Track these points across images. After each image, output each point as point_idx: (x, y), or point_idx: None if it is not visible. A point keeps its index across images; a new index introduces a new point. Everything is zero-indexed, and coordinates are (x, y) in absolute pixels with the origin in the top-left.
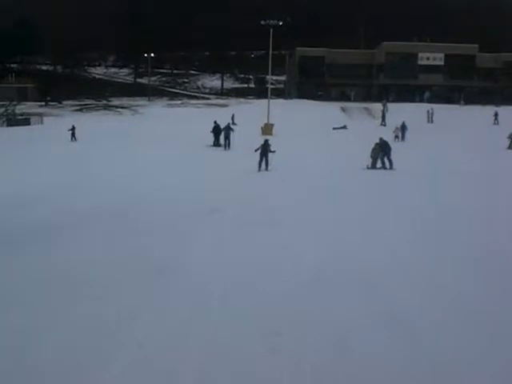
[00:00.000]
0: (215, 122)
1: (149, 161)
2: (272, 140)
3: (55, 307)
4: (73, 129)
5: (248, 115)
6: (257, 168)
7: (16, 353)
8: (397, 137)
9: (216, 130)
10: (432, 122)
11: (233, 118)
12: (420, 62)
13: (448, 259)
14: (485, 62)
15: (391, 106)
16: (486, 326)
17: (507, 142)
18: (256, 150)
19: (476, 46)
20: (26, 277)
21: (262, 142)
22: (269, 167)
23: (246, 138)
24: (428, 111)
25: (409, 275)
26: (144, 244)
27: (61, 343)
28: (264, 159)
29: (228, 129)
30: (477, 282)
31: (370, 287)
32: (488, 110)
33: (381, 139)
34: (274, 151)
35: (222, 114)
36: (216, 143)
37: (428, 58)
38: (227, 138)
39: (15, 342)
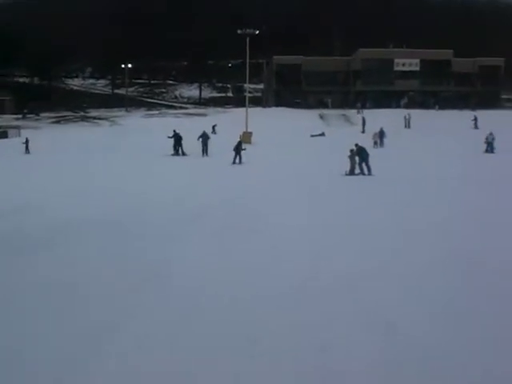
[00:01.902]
0: (174, 131)
1: (124, 170)
2: (251, 148)
3: (47, 314)
4: (26, 142)
5: (226, 124)
6: (231, 161)
7: (10, 357)
8: (376, 143)
9: (176, 139)
10: (409, 127)
11: (214, 128)
12: (396, 68)
13: (433, 264)
14: (460, 67)
15: (369, 112)
16: (475, 332)
17: (484, 146)
18: (234, 149)
19: (451, 51)
20: (20, 283)
21: (237, 143)
22: (242, 161)
23: (225, 146)
24: (405, 117)
25: (394, 281)
26: (131, 252)
27: (52, 349)
28: (238, 156)
29: (205, 136)
30: (466, 288)
31: (355, 293)
32: (466, 115)
33: (356, 145)
34: (244, 149)
35: (200, 123)
36: (176, 152)
37: (404, 64)
38: (205, 145)
39: (4, 353)
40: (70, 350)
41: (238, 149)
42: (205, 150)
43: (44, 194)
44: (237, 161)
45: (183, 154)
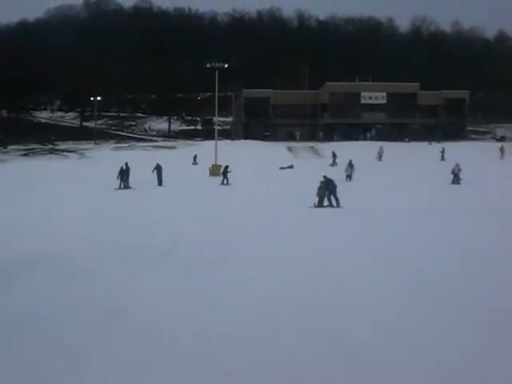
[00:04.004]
0: (126, 164)
1: (89, 204)
2: (219, 181)
3: None
4: None
5: (197, 157)
6: (219, 182)
7: None
8: (348, 176)
9: (122, 173)
10: (381, 159)
11: (195, 158)
12: (363, 101)
13: (395, 295)
14: (426, 100)
15: (337, 144)
16: (435, 361)
17: (450, 177)
18: (222, 173)
19: (417, 84)
20: None
21: (223, 167)
22: (229, 182)
23: (192, 178)
24: (379, 151)
25: (357, 312)
26: (95, 290)
27: None
28: (225, 178)
29: (159, 168)
30: (424, 317)
31: (320, 326)
32: (433, 147)
33: (325, 177)
34: (230, 171)
35: (169, 156)
36: (123, 185)
37: (370, 97)
38: (160, 176)
39: None
40: None
41: (225, 172)
42: (159, 181)
43: None
44: (224, 182)
45: (125, 187)
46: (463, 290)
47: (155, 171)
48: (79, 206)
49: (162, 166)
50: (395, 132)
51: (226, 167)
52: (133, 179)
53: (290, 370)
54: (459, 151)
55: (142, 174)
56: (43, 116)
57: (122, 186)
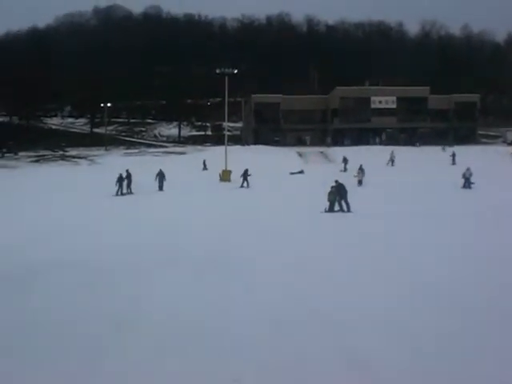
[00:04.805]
0: (127, 171)
1: (101, 210)
2: (230, 186)
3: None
4: None
5: (206, 162)
6: (239, 186)
7: None
8: (359, 181)
9: (121, 180)
10: (393, 164)
11: (204, 164)
12: (373, 106)
13: (403, 299)
14: (436, 104)
15: (348, 149)
16: (442, 367)
17: (461, 182)
18: (241, 176)
19: (427, 88)
20: None
21: (243, 171)
22: (249, 185)
23: (203, 183)
24: (391, 156)
25: (367, 316)
26: (100, 298)
27: None
28: (245, 181)
29: (162, 175)
30: (431, 323)
31: (330, 334)
32: (446, 152)
33: (336, 182)
34: (250, 174)
35: (179, 162)
36: (121, 192)
37: (380, 102)
38: (161, 182)
39: None
40: None
41: (245, 175)
42: (161, 187)
43: None
44: (244, 185)
45: (122, 193)
46: None
47: (157, 177)
48: (80, 211)
49: (173, 171)
50: (405, 136)
51: (246, 171)
52: (139, 185)
53: None
54: (470, 155)
55: (149, 180)
56: (54, 122)
57: (119, 193)
